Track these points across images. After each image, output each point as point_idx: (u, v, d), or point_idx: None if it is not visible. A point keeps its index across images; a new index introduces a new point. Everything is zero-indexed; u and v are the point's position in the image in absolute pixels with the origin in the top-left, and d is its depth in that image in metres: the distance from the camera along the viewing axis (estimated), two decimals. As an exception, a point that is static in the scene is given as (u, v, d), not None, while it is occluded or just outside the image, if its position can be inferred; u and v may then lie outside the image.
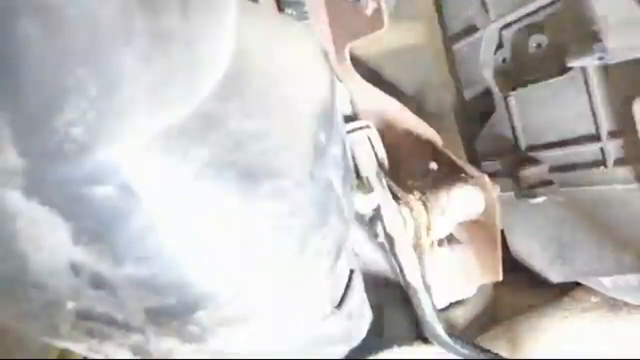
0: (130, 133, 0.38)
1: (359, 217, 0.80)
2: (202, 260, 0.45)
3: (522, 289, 1.11)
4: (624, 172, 0.91)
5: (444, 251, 0.92)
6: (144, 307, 0.44)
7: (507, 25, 1.00)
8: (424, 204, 0.85)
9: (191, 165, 0.42)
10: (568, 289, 1.11)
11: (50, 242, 0.41)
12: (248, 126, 0.45)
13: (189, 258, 0.44)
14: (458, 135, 1.19)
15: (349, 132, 0.81)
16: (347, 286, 0.67)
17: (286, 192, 0.47)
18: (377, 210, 0.78)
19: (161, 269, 0.43)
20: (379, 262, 0.83)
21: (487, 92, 1.11)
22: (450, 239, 0.94)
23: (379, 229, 0.78)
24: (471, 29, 1.06)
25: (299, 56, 0.54)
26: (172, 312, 0.45)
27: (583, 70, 0.89)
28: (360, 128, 0.83)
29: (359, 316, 0.74)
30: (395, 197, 0.81)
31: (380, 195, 0.77)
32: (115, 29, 0.31)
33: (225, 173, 0.43)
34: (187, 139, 0.42)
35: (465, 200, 0.89)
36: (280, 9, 0.82)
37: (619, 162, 0.91)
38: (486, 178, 0.89)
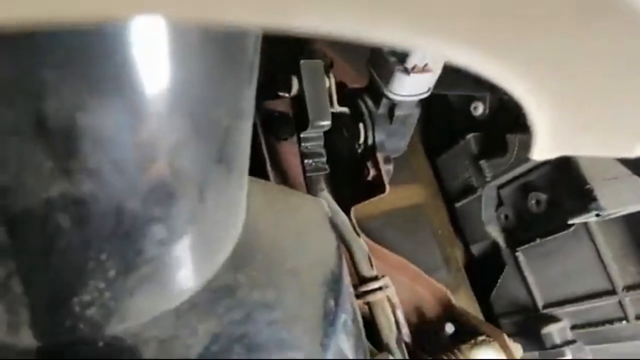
0: (142, 311, 0.39)
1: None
2: None
3: None
4: (648, 325, 0.88)
5: None
6: None
7: (504, 185, 1.06)
8: (444, 370, 0.81)
9: (201, 340, 0.42)
10: None
11: None
12: (257, 296, 0.45)
13: None
14: (471, 291, 1.18)
15: (367, 292, 0.80)
16: None
17: (297, 365, 0.45)
18: (394, 378, 0.73)
19: None
20: None
21: (495, 247, 1.13)
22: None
23: (398, 400, 0.73)
24: (470, 189, 1.12)
25: (304, 225, 0.56)
26: None
27: (585, 224, 0.92)
28: (380, 288, 0.81)
29: None
30: (414, 363, 0.77)
31: (399, 363, 0.74)
32: (137, 217, 0.34)
33: (235, 347, 0.43)
34: (197, 312, 0.43)
35: (487, 364, 0.85)
36: (302, 159, 0.88)
37: (641, 315, 0.88)
38: (506, 338, 0.86)
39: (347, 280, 0.57)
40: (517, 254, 1.06)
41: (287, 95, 0.91)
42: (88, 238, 0.33)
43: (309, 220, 0.57)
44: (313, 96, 0.87)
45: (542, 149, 0.44)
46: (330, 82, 0.89)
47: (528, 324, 1.05)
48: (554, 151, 0.44)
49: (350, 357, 0.54)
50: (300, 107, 0.88)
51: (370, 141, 0.87)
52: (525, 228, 1.04)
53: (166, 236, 0.36)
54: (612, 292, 0.91)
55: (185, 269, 0.40)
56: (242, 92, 0.36)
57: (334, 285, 0.52)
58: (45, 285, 0.35)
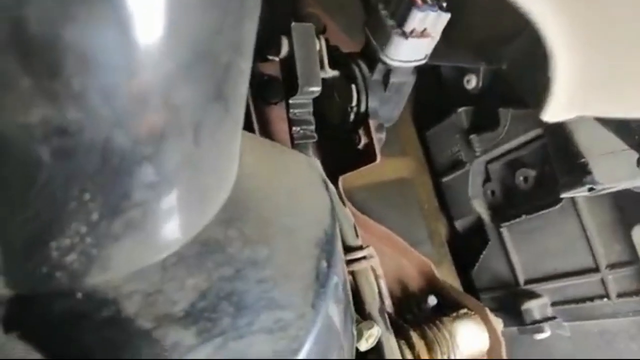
0: (126, 261, 0.37)
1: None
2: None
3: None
4: (629, 303, 0.89)
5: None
6: None
7: (493, 160, 1.05)
8: (426, 342, 0.81)
9: (187, 295, 0.40)
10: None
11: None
12: (248, 253, 0.43)
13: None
14: (453, 267, 1.18)
15: (352, 261, 0.78)
16: None
17: (287, 326, 0.43)
18: (378, 347, 0.73)
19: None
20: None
21: (479, 223, 1.13)
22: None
23: (381, 367, 0.72)
24: (458, 164, 1.11)
25: (298, 183, 0.54)
26: None
27: (573, 201, 0.92)
28: (364, 258, 0.79)
29: None
30: (397, 333, 0.77)
31: (382, 332, 0.73)
32: (125, 154, 0.31)
33: (223, 304, 0.41)
34: (185, 266, 0.40)
35: (469, 337, 0.85)
36: (290, 126, 0.85)
37: (623, 293, 0.89)
38: (488, 311, 0.86)
39: (339, 242, 0.56)
40: (501, 229, 1.06)
41: (276, 58, 0.88)
42: (70, 174, 0.30)
43: (303, 179, 0.55)
44: (303, 61, 0.84)
45: (556, 109, 0.42)
46: (321, 45, 0.85)
47: (508, 299, 1.05)
48: (567, 110, 0.43)
49: (338, 324, 0.53)
50: (289, 71, 0.85)
51: (362, 107, 0.84)
52: (512, 204, 1.04)
53: (156, 179, 0.33)
54: (595, 269, 0.92)
55: (175, 218, 0.37)
56: (244, 24, 0.33)
57: (327, 245, 0.50)
58: (21, 226, 0.32)
